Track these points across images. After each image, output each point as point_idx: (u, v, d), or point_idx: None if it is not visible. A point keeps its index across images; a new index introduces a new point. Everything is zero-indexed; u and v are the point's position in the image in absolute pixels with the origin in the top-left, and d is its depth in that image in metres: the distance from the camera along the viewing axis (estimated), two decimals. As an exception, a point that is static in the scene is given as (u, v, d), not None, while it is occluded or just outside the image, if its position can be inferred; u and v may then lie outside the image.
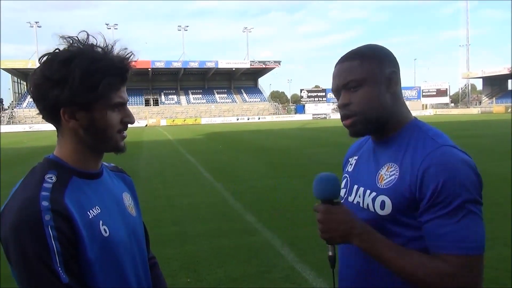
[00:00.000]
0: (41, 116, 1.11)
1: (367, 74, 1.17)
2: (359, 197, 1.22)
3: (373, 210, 1.15)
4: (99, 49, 1.08)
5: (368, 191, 1.19)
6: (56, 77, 1.02)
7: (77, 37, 1.07)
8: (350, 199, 1.27)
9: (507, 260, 4.02)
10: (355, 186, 1.25)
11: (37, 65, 1.09)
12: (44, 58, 1.06)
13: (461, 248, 1.03)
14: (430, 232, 1.06)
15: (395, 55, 1.25)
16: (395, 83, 1.20)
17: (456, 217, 1.03)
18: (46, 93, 1.04)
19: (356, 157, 1.34)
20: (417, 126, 1.20)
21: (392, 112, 1.19)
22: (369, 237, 1.10)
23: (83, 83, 1.02)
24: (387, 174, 1.16)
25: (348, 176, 1.33)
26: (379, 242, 1.09)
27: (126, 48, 1.11)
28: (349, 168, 1.35)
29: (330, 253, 1.15)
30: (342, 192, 1.32)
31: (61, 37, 1.07)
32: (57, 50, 1.06)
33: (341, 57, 1.24)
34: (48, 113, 1.08)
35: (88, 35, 1.08)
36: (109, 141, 1.11)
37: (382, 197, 1.14)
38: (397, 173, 1.13)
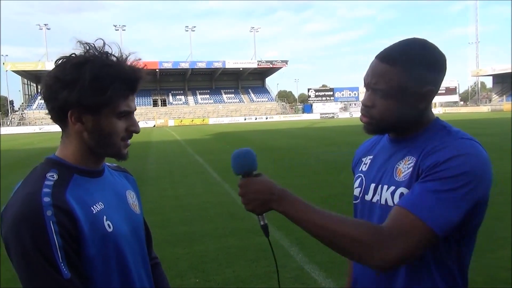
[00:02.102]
0: (49, 116, 1.13)
1: (400, 88, 1.11)
2: (378, 195, 1.20)
3: (392, 204, 1.13)
4: (113, 57, 1.10)
5: (385, 187, 1.18)
6: (67, 79, 1.04)
7: (93, 44, 1.10)
8: (368, 198, 1.25)
9: (519, 260, 3.96)
10: (372, 185, 1.23)
11: (48, 67, 1.10)
12: (59, 61, 1.08)
13: (419, 210, 1.00)
14: (411, 190, 1.05)
15: (445, 58, 1.15)
16: (428, 100, 1.15)
17: (441, 187, 1.01)
18: (56, 94, 1.06)
19: (370, 156, 1.32)
20: (441, 125, 1.17)
21: (415, 119, 1.17)
22: (289, 200, 1.09)
23: (92, 86, 1.04)
24: (405, 167, 1.14)
25: (363, 176, 1.31)
26: (300, 205, 1.08)
27: (140, 59, 1.14)
28: (363, 168, 1.32)
29: (262, 223, 1.16)
30: (357, 191, 1.30)
31: (78, 41, 1.09)
32: (73, 55, 1.08)
33: (384, 52, 1.15)
34: (56, 114, 1.10)
35: (104, 43, 1.11)
36: (112, 147, 1.13)
37: (401, 190, 1.13)
38: (414, 164, 1.12)
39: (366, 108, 1.18)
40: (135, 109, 1.17)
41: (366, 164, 1.33)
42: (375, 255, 1.00)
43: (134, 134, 1.17)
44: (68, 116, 1.08)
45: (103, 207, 1.10)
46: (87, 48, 1.09)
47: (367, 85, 1.18)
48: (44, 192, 1.00)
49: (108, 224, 1.09)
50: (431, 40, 1.16)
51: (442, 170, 1.03)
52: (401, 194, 1.12)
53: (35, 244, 0.95)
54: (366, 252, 1.01)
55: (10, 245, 0.98)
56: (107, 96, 1.06)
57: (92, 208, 1.07)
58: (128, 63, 1.12)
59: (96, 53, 1.09)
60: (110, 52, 1.10)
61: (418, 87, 1.12)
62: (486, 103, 77.54)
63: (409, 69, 1.11)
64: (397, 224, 1.01)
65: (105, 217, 1.09)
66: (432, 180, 1.03)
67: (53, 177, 1.06)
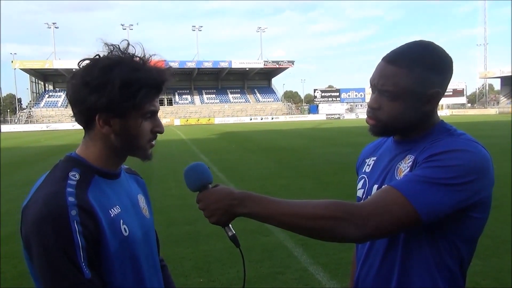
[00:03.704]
0: (74, 118, 1.13)
1: (407, 90, 1.11)
2: None
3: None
4: (138, 59, 1.09)
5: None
6: (96, 83, 1.04)
7: (118, 45, 1.09)
8: None
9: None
10: (375, 186, 1.23)
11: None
12: (85, 63, 1.08)
13: (406, 190, 1.00)
14: (402, 177, 1.05)
15: (451, 60, 1.15)
16: (435, 102, 1.15)
17: (431, 175, 1.01)
18: (84, 98, 1.05)
19: (374, 158, 1.32)
20: (445, 128, 1.17)
21: (421, 121, 1.17)
22: (253, 199, 1.07)
23: (121, 92, 1.04)
24: (405, 165, 1.15)
25: (366, 177, 1.31)
26: (266, 200, 1.06)
27: (164, 60, 1.14)
28: (367, 169, 1.33)
29: (230, 234, 1.13)
30: (360, 192, 1.30)
31: (104, 43, 1.09)
32: (97, 56, 1.08)
33: (391, 54, 1.15)
34: (83, 117, 1.10)
35: (128, 44, 1.10)
36: (138, 149, 1.14)
37: None
38: (413, 160, 1.13)
39: (373, 110, 1.18)
40: (159, 109, 1.17)
41: (369, 165, 1.33)
42: (350, 228, 1.00)
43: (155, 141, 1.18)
44: (95, 119, 1.08)
45: (120, 211, 1.10)
46: (112, 49, 1.08)
47: (373, 86, 1.18)
48: (68, 192, 1.00)
49: (125, 228, 1.09)
50: (439, 41, 1.16)
51: (436, 160, 1.03)
52: None
53: (59, 242, 0.95)
54: (341, 226, 1.00)
55: (32, 243, 0.98)
56: (137, 101, 1.06)
57: (110, 211, 1.07)
58: (152, 62, 1.12)
59: (121, 55, 1.09)
60: (134, 53, 1.10)
61: (424, 89, 1.12)
62: (493, 105, 76.96)
63: (416, 71, 1.10)
64: (379, 198, 1.01)
65: (121, 221, 1.09)
66: (425, 168, 1.03)
67: (75, 177, 1.06)
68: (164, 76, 1.12)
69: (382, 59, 1.17)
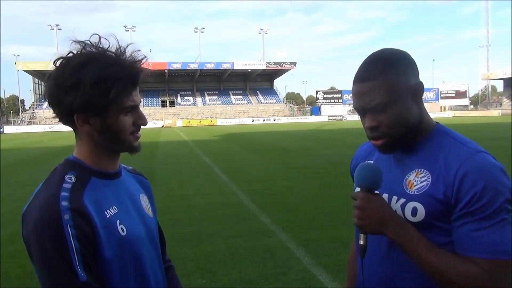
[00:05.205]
0: (57, 119, 1.13)
1: (393, 93, 1.12)
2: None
3: (402, 217, 1.13)
4: (111, 53, 1.08)
5: (395, 198, 1.17)
6: (68, 84, 1.04)
7: (89, 40, 1.08)
8: None
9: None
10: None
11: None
12: (58, 63, 1.08)
13: (493, 252, 1.03)
14: (463, 235, 1.06)
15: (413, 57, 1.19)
16: (420, 93, 1.16)
17: (491, 222, 1.03)
18: (60, 100, 1.06)
19: (371, 162, 1.31)
20: (443, 131, 1.18)
21: (419, 121, 1.17)
22: (406, 232, 1.08)
23: (94, 90, 1.03)
24: (417, 180, 1.14)
25: None
26: (414, 239, 1.08)
27: (139, 50, 1.12)
28: None
29: (362, 242, 1.14)
30: None
31: (74, 41, 1.08)
32: (70, 54, 1.07)
33: (360, 75, 1.15)
34: (64, 118, 1.10)
35: (100, 38, 1.09)
36: (123, 143, 1.13)
37: (413, 204, 1.12)
38: (429, 179, 1.11)
39: (374, 129, 1.16)
40: (140, 102, 1.16)
41: None
42: None
43: (143, 135, 1.18)
44: (74, 120, 1.08)
45: (116, 211, 1.11)
46: (83, 46, 1.07)
47: (361, 111, 1.17)
48: (62, 196, 1.01)
49: (122, 228, 1.09)
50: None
51: (483, 205, 1.04)
52: (414, 209, 1.12)
53: (54, 247, 0.97)
54: None
55: (32, 247, 1.00)
56: (111, 97, 1.05)
57: (106, 212, 1.07)
58: (128, 53, 1.10)
59: (94, 50, 1.07)
60: (108, 46, 1.08)
61: (407, 83, 1.14)
62: (496, 107, 76.76)
63: (391, 72, 1.12)
64: (487, 271, 1.03)
65: (118, 221, 1.09)
66: (481, 219, 1.04)
67: (71, 180, 1.07)
68: (138, 68, 1.10)
69: (354, 84, 1.17)
